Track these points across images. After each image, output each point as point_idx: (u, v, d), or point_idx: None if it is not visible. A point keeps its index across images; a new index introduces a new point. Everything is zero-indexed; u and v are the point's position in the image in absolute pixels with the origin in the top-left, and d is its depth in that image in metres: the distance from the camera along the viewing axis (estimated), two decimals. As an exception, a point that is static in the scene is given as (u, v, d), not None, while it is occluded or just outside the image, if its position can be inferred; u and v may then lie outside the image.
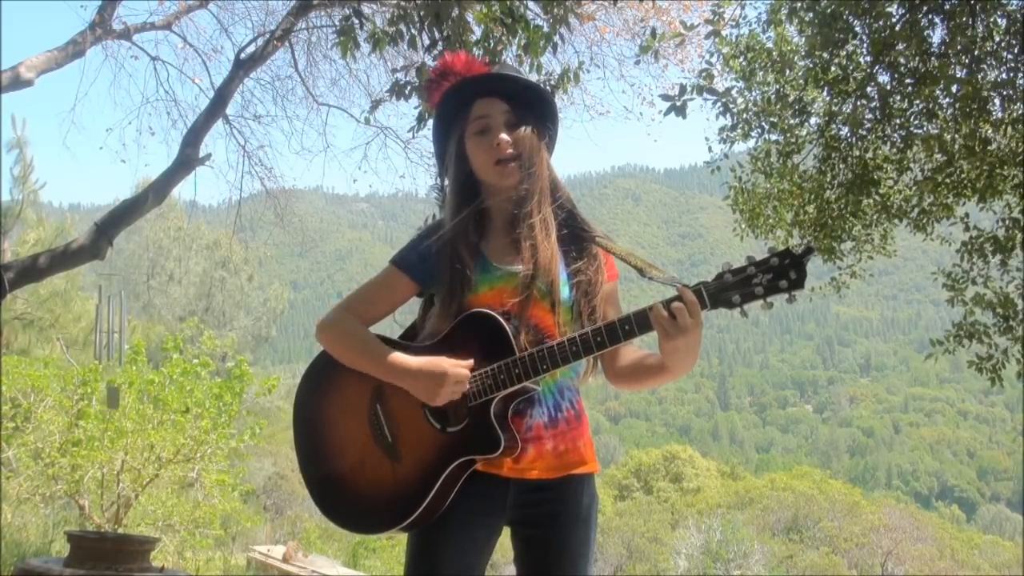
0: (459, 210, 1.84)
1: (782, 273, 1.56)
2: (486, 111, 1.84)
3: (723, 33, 5.62)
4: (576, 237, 1.86)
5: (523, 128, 1.83)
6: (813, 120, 6.24)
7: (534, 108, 1.86)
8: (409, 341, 1.88)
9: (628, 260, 1.82)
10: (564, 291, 1.80)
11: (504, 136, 1.82)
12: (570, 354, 1.68)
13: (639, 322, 1.65)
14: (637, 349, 1.83)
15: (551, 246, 1.79)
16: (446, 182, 1.95)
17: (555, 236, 1.81)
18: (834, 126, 6.00)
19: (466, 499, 1.75)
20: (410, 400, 1.78)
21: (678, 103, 4.83)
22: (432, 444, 1.75)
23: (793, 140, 6.27)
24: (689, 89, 4.94)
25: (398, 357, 1.77)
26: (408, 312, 1.96)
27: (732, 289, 1.59)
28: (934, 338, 6.05)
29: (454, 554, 1.76)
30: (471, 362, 1.72)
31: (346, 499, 1.85)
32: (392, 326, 1.95)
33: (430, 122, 4.41)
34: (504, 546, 1.97)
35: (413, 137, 5.97)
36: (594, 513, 1.85)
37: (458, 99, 1.86)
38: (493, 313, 1.74)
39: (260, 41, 6.74)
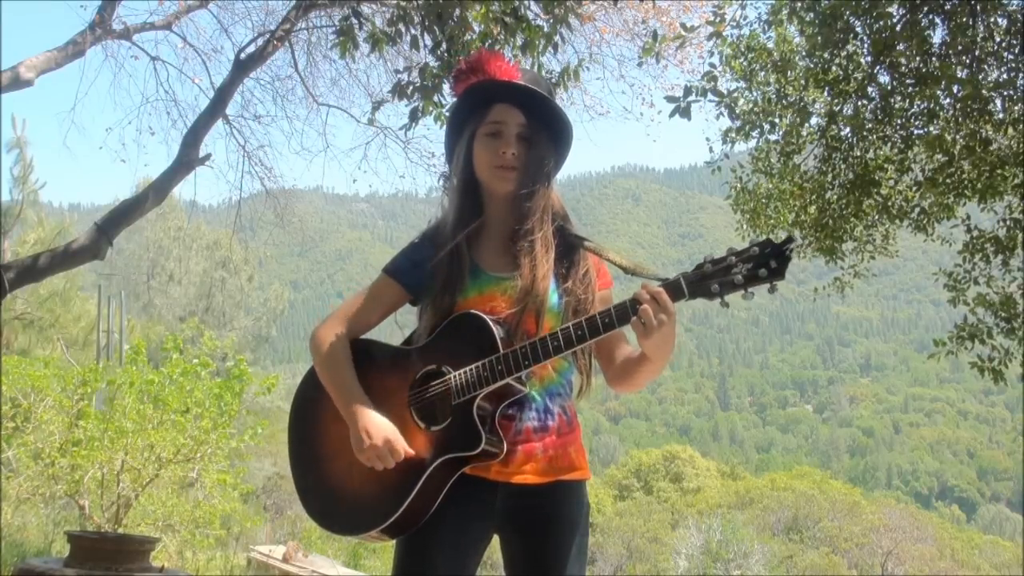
0: (460, 210, 1.86)
1: (762, 262, 1.55)
2: (502, 117, 1.84)
3: (723, 34, 5.61)
4: (567, 248, 1.87)
5: (532, 145, 1.84)
6: (814, 120, 6.23)
7: (550, 126, 1.86)
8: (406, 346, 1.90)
9: (611, 259, 1.84)
10: (553, 299, 1.81)
11: (512, 147, 1.83)
12: (551, 348, 1.68)
13: (619, 315, 1.65)
14: (630, 347, 1.84)
15: (548, 263, 1.81)
16: (452, 176, 1.95)
17: (553, 254, 1.83)
18: (835, 126, 5.99)
19: (454, 503, 1.75)
20: (398, 400, 1.80)
21: (683, 105, 4.82)
22: (417, 443, 1.75)
23: (794, 140, 6.27)
24: (694, 91, 4.93)
25: (358, 402, 1.79)
26: (410, 312, 1.97)
27: (711, 278, 1.59)
28: (937, 339, 6.03)
29: (442, 557, 1.75)
30: (411, 452, 1.74)
31: (334, 501, 1.85)
32: (392, 327, 1.96)
33: (424, 120, 4.45)
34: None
35: (407, 135, 5.97)
36: (585, 520, 1.84)
37: (479, 97, 1.86)
38: (480, 313, 1.76)
39: (260, 41, 6.73)
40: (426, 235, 1.91)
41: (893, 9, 5.30)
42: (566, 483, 1.81)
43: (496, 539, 1.86)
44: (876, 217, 6.39)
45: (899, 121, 5.82)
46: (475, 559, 1.80)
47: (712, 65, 5.52)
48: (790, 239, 1.57)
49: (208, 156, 6.51)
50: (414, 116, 4.38)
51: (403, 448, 1.73)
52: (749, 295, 1.58)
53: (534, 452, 1.78)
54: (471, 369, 1.72)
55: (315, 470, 1.89)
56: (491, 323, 1.74)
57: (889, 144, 5.99)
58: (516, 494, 1.78)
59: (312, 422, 1.93)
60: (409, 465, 1.74)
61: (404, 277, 1.88)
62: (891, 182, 6.25)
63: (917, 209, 6.30)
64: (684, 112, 4.84)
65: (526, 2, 4.50)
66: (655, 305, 1.61)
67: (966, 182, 5.83)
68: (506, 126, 1.84)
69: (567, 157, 1.92)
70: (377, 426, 1.74)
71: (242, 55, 6.58)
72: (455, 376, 1.74)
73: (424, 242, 1.89)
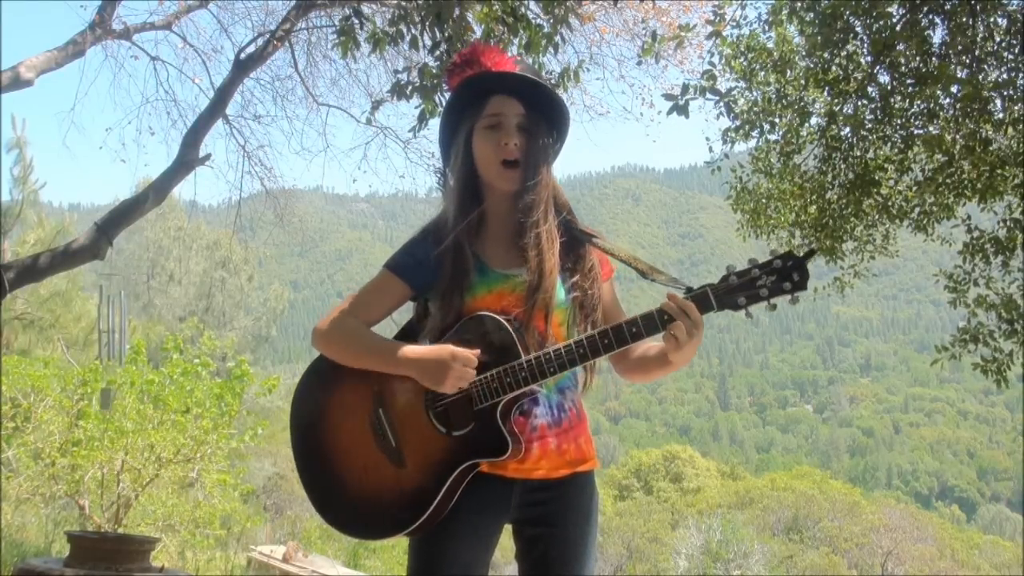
0: (462, 207, 1.83)
1: (785, 275, 1.61)
2: (501, 109, 1.82)
3: (723, 33, 5.61)
4: (573, 242, 1.86)
5: (533, 135, 1.82)
6: (814, 120, 6.24)
7: (548, 115, 1.85)
8: (409, 342, 1.87)
9: (629, 263, 1.83)
10: (560, 295, 1.81)
11: (514, 138, 1.81)
12: (577, 357, 1.70)
13: (646, 326, 1.68)
14: (646, 344, 1.84)
15: (554, 257, 1.79)
16: (449, 173, 1.93)
17: (558, 247, 1.82)
18: (835, 126, 5.99)
19: (471, 500, 1.75)
20: (413, 404, 1.78)
21: (681, 103, 4.82)
22: (437, 448, 1.74)
23: (794, 140, 6.27)
24: (692, 89, 4.93)
25: (404, 347, 1.77)
26: (406, 310, 1.96)
27: (738, 291, 1.64)
28: (938, 343, 6.02)
29: (459, 554, 1.76)
30: (477, 351, 1.72)
31: (348, 504, 1.83)
32: (389, 325, 1.94)
33: (431, 122, 4.44)
34: (504, 546, 1.97)
35: (414, 137, 5.97)
36: (596, 509, 1.87)
37: (475, 90, 1.84)
38: (498, 316, 1.75)
39: (260, 41, 6.75)
40: (428, 231, 1.88)
41: (893, 9, 5.30)
42: (579, 474, 1.83)
43: (506, 532, 1.87)
44: (876, 217, 6.39)
45: (899, 121, 5.82)
46: (488, 553, 1.82)
47: (712, 64, 5.52)
48: (812, 251, 1.66)
49: (208, 156, 6.53)
50: (423, 118, 4.38)
51: (471, 353, 1.71)
52: (771, 307, 1.64)
53: (548, 447, 1.79)
54: (493, 374, 1.72)
55: (326, 472, 1.86)
56: (511, 328, 1.73)
57: (889, 144, 5.99)
58: (533, 489, 1.80)
59: (317, 423, 1.89)
60: (431, 470, 1.74)
61: (408, 274, 1.84)
62: (891, 182, 6.25)
63: (917, 209, 6.30)
64: (682, 110, 4.83)
65: (526, 2, 4.50)
66: (687, 321, 1.65)
67: (966, 182, 5.83)
68: (505, 117, 1.82)
69: (564, 145, 1.91)
70: (437, 354, 1.72)
71: (242, 55, 6.59)
72: (477, 381, 1.73)
73: (427, 239, 1.85)
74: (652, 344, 1.81)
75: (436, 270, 1.81)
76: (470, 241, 1.82)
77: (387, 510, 1.77)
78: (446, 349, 1.72)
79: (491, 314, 1.75)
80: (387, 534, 1.80)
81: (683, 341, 1.66)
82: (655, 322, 1.67)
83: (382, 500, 1.79)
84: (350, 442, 1.83)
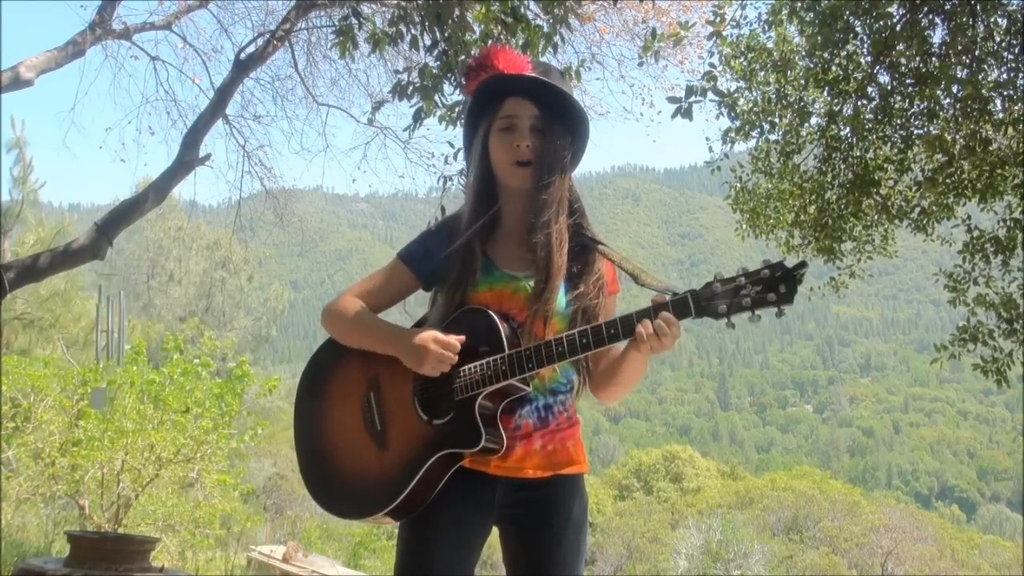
0: (477, 206, 1.86)
1: (772, 286, 1.55)
2: (514, 111, 1.84)
3: (723, 33, 5.61)
4: (582, 248, 1.87)
5: (547, 136, 1.83)
6: (814, 120, 6.24)
7: (565, 116, 1.86)
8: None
9: (623, 267, 1.85)
10: (561, 303, 1.82)
11: (525, 140, 1.83)
12: (555, 354, 1.70)
13: (624, 327, 1.67)
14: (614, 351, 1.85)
15: (561, 258, 1.80)
16: (469, 172, 1.96)
17: (566, 249, 1.82)
18: (835, 126, 5.99)
19: (455, 497, 1.76)
20: (403, 391, 1.81)
21: (684, 105, 4.82)
22: (418, 434, 1.77)
23: (794, 140, 6.27)
24: (696, 91, 4.93)
25: (391, 327, 1.82)
26: (419, 305, 1.99)
27: (720, 299, 1.60)
28: (938, 343, 6.03)
29: (445, 552, 1.77)
30: (462, 337, 1.74)
31: (333, 483, 1.88)
32: (403, 317, 1.97)
33: (427, 121, 4.44)
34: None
35: (410, 136, 5.97)
36: (584, 513, 1.87)
37: (491, 93, 1.86)
38: (487, 310, 1.77)
39: (260, 41, 6.74)
40: (444, 224, 1.92)
41: (893, 9, 5.31)
42: (564, 476, 1.83)
43: (495, 535, 1.88)
44: (876, 217, 6.39)
45: (899, 121, 5.83)
46: (475, 553, 1.82)
47: (712, 65, 5.52)
48: (803, 264, 1.56)
49: (208, 156, 6.53)
50: (417, 117, 4.37)
51: (453, 338, 1.73)
52: (756, 318, 1.58)
53: (533, 447, 1.80)
54: (476, 366, 1.74)
55: (319, 455, 1.92)
56: (498, 321, 1.75)
57: (889, 144, 6.00)
58: (516, 488, 1.80)
59: (316, 403, 1.95)
60: (409, 456, 1.76)
61: (417, 265, 1.88)
62: (891, 182, 6.25)
63: (917, 209, 6.30)
64: (686, 113, 4.84)
65: (526, 2, 4.50)
66: (654, 339, 1.64)
67: (966, 182, 5.83)
68: (519, 119, 1.84)
69: (585, 147, 1.91)
70: (422, 336, 1.74)
71: (242, 55, 6.59)
72: (460, 372, 1.75)
73: (441, 231, 1.90)
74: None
75: (445, 263, 1.84)
76: (482, 240, 1.84)
77: (366, 491, 1.81)
78: (429, 333, 1.75)
79: (482, 308, 1.78)
80: (362, 515, 1.83)
81: (643, 347, 1.65)
82: (633, 325, 1.66)
83: (363, 481, 1.82)
84: (341, 423, 1.88)
